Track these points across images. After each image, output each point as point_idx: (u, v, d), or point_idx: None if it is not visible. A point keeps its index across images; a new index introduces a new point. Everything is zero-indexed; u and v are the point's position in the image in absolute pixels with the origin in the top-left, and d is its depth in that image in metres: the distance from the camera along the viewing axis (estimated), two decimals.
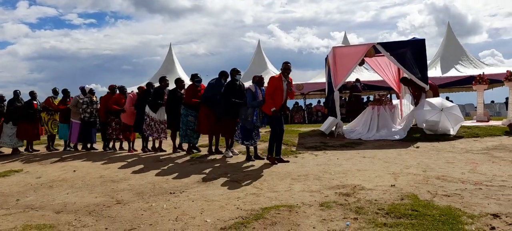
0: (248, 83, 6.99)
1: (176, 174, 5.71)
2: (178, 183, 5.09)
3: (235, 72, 6.85)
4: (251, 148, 6.58)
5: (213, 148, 7.35)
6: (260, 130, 6.68)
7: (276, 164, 5.99)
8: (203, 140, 8.10)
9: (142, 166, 6.56)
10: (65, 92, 9.54)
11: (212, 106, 6.91)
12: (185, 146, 7.81)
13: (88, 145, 9.20)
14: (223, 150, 7.25)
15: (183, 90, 7.78)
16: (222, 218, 3.52)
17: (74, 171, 6.43)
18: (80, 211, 4.06)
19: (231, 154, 6.88)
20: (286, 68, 6.00)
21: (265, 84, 6.33)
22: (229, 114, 6.63)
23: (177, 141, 7.90)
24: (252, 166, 5.99)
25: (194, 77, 7.49)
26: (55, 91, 9.67)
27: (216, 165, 6.26)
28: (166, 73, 19.35)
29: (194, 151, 7.58)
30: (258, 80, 6.42)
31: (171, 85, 8.12)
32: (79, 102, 9.01)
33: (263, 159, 6.42)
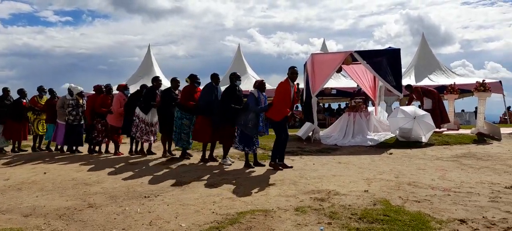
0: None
1: (152, 177, 5.62)
2: (153, 187, 5.02)
3: (235, 77, 6.55)
4: (250, 154, 6.32)
5: (207, 153, 6.96)
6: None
7: (281, 169, 5.87)
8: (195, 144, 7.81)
9: (117, 168, 6.42)
10: (51, 91, 9.17)
11: (208, 114, 6.55)
12: (174, 148, 7.53)
13: (74, 148, 8.74)
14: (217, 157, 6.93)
15: (177, 91, 7.42)
16: (197, 223, 3.50)
17: (45, 173, 6.23)
18: (50, 214, 3.94)
19: (229, 162, 6.56)
20: (293, 73, 5.91)
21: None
22: (227, 121, 6.32)
23: (167, 145, 7.58)
24: (253, 172, 5.85)
25: (195, 79, 7.01)
26: (41, 90, 9.28)
27: (192, 169, 6.21)
28: (144, 74, 19.12)
29: (187, 157, 7.20)
30: (259, 85, 6.22)
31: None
32: (65, 104, 8.55)
33: (264, 165, 6.25)
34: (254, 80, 8.67)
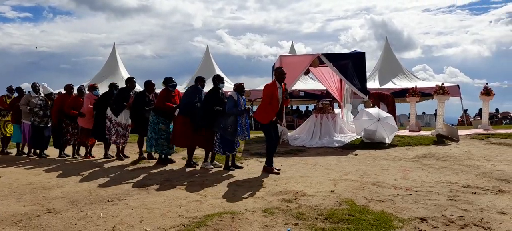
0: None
1: (116, 180, 5.45)
2: (117, 190, 4.86)
3: (218, 80, 6.39)
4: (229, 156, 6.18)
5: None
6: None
7: (278, 172, 5.74)
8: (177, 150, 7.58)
9: (79, 172, 6.15)
10: (20, 90, 8.55)
11: (189, 115, 6.31)
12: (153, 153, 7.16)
13: (38, 151, 8.17)
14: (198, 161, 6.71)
15: (151, 95, 7.12)
16: (163, 226, 3.42)
17: (0, 177, 5.88)
18: (5, 221, 3.72)
19: (211, 166, 6.35)
20: (281, 74, 5.78)
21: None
22: (208, 123, 6.13)
23: (144, 148, 7.18)
24: (232, 175, 5.73)
25: (168, 82, 6.74)
26: (10, 90, 8.67)
27: (160, 172, 6.09)
28: (109, 74, 18.54)
29: (169, 162, 6.84)
30: (239, 88, 6.11)
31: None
32: (31, 102, 7.95)
33: (242, 167, 6.20)
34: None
